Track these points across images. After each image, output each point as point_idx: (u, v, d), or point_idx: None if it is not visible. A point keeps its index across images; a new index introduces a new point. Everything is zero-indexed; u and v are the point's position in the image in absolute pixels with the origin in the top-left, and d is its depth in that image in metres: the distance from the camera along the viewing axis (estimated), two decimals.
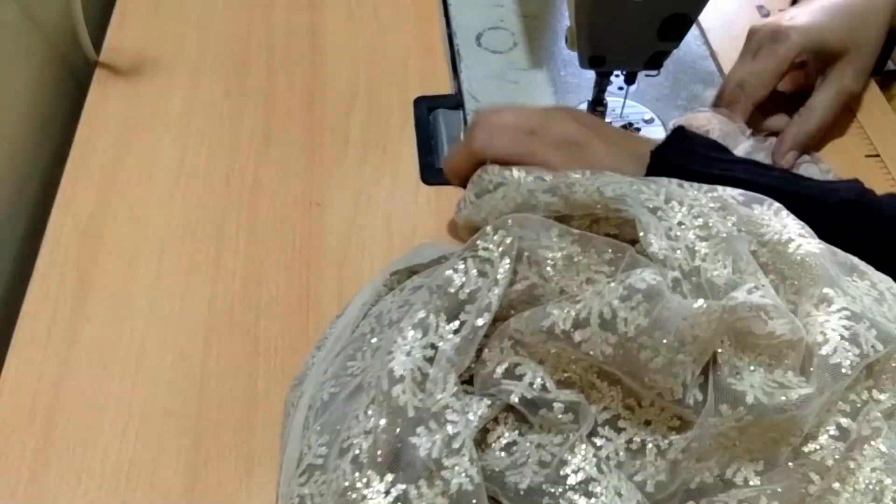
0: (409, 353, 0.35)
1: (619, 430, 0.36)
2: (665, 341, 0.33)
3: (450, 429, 0.33)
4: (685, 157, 0.45)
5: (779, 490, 0.32)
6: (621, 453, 0.35)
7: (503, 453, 0.36)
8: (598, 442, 0.36)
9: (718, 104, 0.55)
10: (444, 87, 0.60)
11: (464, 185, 0.49)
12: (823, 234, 0.39)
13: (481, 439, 0.36)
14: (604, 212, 0.40)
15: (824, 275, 0.36)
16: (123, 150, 0.54)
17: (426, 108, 0.58)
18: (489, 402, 0.36)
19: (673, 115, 0.57)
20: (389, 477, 0.33)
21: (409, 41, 0.63)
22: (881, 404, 0.34)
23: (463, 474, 0.32)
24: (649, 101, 0.58)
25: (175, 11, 0.64)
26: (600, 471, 0.33)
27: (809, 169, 0.53)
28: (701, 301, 0.34)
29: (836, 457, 0.33)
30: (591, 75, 0.53)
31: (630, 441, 0.36)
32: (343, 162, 0.54)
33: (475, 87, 0.59)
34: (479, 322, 0.36)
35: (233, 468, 0.41)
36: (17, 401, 0.42)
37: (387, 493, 0.32)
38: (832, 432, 0.33)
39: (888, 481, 0.32)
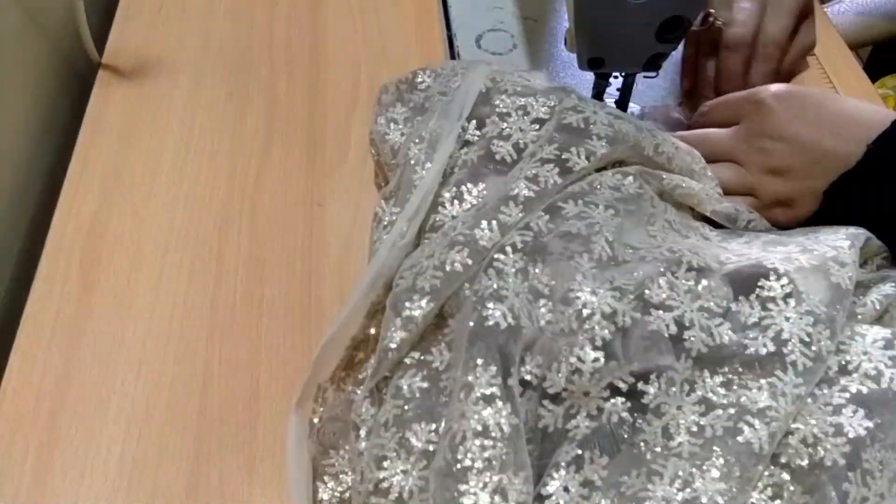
0: None
1: None
2: None
3: None
4: None
5: None
6: None
7: None
8: None
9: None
10: None
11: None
12: None
13: None
14: None
15: None
16: (126, 152, 0.55)
17: None
18: None
19: None
20: None
21: (409, 43, 0.63)
22: None
23: None
24: (647, 103, 0.58)
25: (178, 13, 0.65)
26: None
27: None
28: None
29: None
30: (590, 77, 0.53)
31: None
32: (344, 163, 0.55)
33: None
34: None
35: (235, 466, 0.41)
36: (21, 400, 0.43)
37: None
38: None
39: None
